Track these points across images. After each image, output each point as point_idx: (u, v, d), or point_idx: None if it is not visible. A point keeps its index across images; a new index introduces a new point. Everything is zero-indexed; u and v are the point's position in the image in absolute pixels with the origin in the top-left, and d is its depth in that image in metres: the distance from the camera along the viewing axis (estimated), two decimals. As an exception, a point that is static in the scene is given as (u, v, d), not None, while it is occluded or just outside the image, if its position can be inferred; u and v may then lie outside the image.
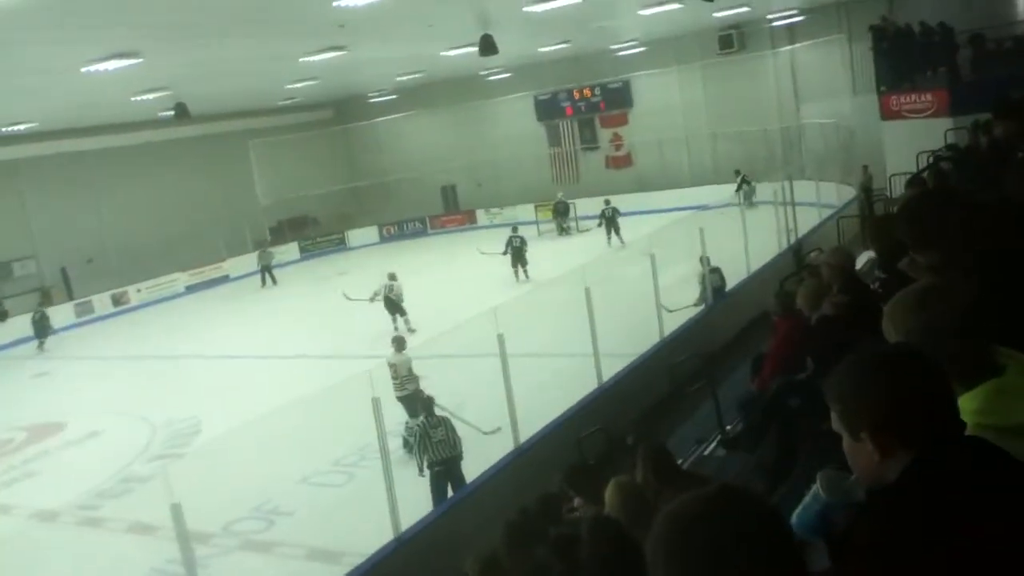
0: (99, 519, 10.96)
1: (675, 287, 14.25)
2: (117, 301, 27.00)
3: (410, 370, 11.50)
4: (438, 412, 9.74)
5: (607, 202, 25.93)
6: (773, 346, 6.37)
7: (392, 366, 11.45)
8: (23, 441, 15.05)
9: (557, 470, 5.81)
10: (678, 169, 30.44)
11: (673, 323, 13.21)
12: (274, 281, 27.72)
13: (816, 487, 1.77)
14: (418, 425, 9.68)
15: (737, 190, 24.64)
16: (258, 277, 27.99)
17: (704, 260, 14.61)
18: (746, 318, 12.28)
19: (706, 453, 7.53)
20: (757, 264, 15.88)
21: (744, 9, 22.99)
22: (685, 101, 30.39)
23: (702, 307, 14.52)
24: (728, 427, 7.39)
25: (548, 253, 24.81)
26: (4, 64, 13.58)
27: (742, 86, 28.92)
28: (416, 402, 10.77)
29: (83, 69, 14.73)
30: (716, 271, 14.79)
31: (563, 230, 28.85)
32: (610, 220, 25.45)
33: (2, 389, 18.41)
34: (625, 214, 25.76)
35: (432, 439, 9.32)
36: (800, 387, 5.07)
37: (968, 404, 1.63)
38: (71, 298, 26.81)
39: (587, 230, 27.63)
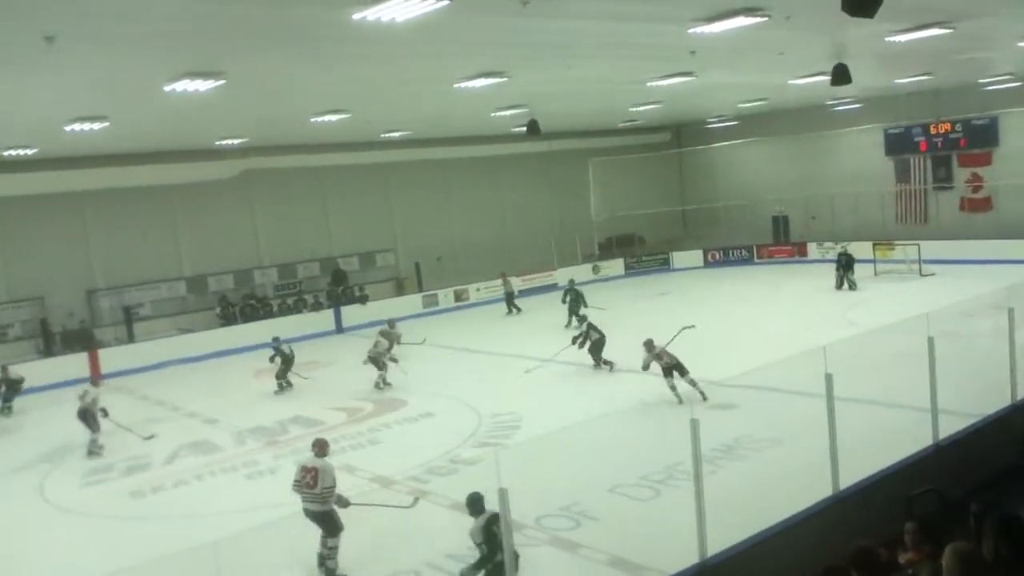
0: (426, 492, 12.05)
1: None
2: (458, 297, 29.81)
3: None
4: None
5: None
6: None
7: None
8: (371, 412, 17.04)
9: (887, 520, 5.52)
10: (1049, 218, 27.18)
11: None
12: (518, 309, 27.74)
13: None
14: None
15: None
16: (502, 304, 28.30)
17: None
18: None
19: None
20: None
21: None
22: (1065, 143, 27.09)
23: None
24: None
25: (877, 298, 23.44)
26: (390, 76, 15.40)
27: None
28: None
29: (456, 85, 16.35)
30: None
31: (849, 284, 25.88)
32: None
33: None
34: (981, 262, 23.50)
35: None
36: None
37: None
38: (420, 290, 29.94)
39: (931, 274, 25.61)
